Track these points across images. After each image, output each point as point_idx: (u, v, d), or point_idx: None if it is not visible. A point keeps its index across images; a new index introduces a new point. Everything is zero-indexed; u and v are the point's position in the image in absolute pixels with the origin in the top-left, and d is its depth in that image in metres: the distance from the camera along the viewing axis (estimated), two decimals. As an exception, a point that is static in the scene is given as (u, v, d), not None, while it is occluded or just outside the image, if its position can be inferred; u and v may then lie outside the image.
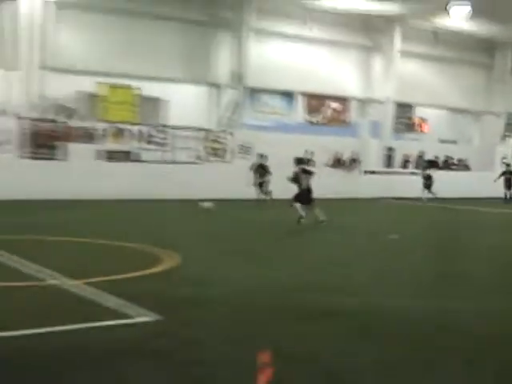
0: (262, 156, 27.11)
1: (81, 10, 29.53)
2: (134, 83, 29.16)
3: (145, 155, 28.15)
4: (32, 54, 28.03)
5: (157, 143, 28.53)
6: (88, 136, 27.08)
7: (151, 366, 6.27)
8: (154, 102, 30.04)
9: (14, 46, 27.76)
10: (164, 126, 29.45)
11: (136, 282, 10.14)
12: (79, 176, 25.30)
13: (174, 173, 27.28)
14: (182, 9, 31.38)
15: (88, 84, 28.09)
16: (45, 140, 26.12)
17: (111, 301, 8.61)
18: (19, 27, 27.77)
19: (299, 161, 20.98)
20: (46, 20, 28.26)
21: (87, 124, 27.45)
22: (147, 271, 10.93)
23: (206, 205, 21.47)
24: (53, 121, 26.90)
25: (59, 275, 10.20)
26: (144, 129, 28.45)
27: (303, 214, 19.06)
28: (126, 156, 27.72)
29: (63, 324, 7.50)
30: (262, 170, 26.68)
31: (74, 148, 26.41)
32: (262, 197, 26.58)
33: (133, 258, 12.72)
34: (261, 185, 26.60)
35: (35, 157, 25.70)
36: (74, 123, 27.26)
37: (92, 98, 28.46)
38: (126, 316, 7.96)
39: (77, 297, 9.01)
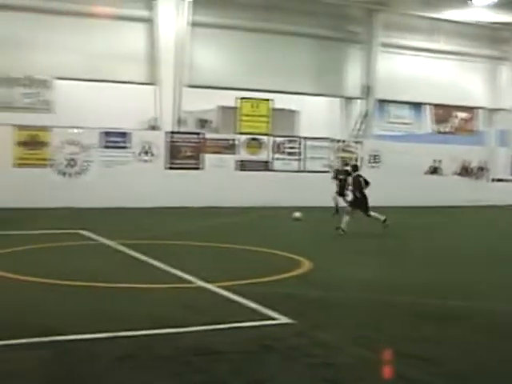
0: (347, 164, 25.53)
1: (219, 30, 30.70)
2: (268, 96, 30.07)
3: (277, 164, 29.40)
4: (175, 72, 29.66)
5: (289, 153, 29.69)
6: (226, 147, 28.55)
7: (284, 363, 6.78)
8: (286, 114, 30.73)
9: (160, 65, 29.47)
10: (296, 136, 30.35)
11: (271, 285, 10.77)
12: (217, 184, 26.90)
13: (305, 181, 28.38)
14: (314, 26, 31.97)
15: (226, 99, 29.13)
16: (187, 151, 27.79)
17: (248, 303, 9.23)
18: (166, 47, 29.44)
19: (355, 168, 20.39)
20: (188, 41, 29.67)
21: (225, 136, 28.83)
22: (281, 276, 11.61)
23: (297, 215, 21.33)
24: (194, 133, 28.50)
25: (201, 278, 10.95)
26: (277, 140, 29.66)
27: (345, 227, 18.42)
28: (260, 165, 29.02)
29: (204, 324, 8.13)
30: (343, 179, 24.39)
31: (213, 158, 28.01)
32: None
33: (268, 263, 13.47)
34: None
35: (177, 167, 27.45)
36: (213, 135, 28.75)
37: (230, 111, 29.49)
38: (263, 317, 8.56)
39: (218, 298, 9.78)
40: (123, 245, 14.85)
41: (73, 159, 25.73)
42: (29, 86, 27.03)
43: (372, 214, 18.95)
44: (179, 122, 29.18)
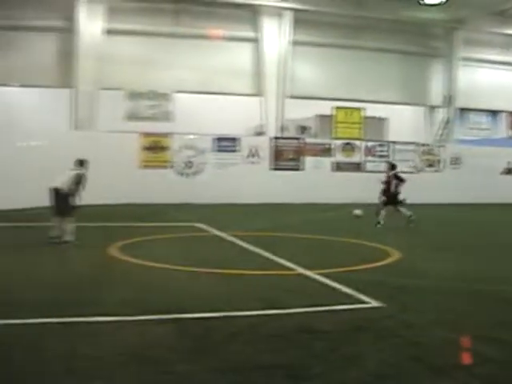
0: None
1: (316, 48, 30.82)
2: (360, 105, 29.92)
3: (369, 166, 29.16)
4: (278, 84, 29.89)
5: (379, 156, 29.39)
6: (323, 150, 28.51)
7: (375, 342, 6.79)
8: (377, 121, 30.41)
9: (265, 79, 29.76)
10: (385, 141, 30.06)
11: (363, 273, 10.73)
12: (315, 183, 26.98)
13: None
14: (401, 42, 31.79)
15: (323, 107, 29.18)
16: (288, 154, 27.93)
17: (344, 288, 9.23)
18: (270, 63, 29.73)
19: (393, 166, 19.37)
20: (289, 57, 29.91)
21: (322, 141, 28.82)
22: (372, 264, 11.55)
23: (357, 212, 20.14)
24: (294, 138, 28.65)
25: (302, 266, 10.98)
26: (369, 144, 29.47)
27: (382, 221, 18.04)
28: (353, 167, 28.92)
29: (305, 306, 8.19)
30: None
31: (312, 160, 28.09)
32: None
33: (360, 253, 13.33)
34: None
35: (280, 168, 27.61)
36: (312, 140, 28.79)
37: (326, 119, 29.47)
38: (356, 301, 8.57)
39: (317, 284, 9.79)
40: (233, 236, 15.07)
41: (190, 161, 26.27)
42: (152, 99, 27.72)
43: (401, 209, 18.45)
44: (282, 128, 29.47)
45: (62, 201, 13.53)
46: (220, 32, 28.20)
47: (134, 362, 6.00)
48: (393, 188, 18.46)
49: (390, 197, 18.41)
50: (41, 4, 26.95)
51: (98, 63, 27.34)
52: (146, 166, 25.59)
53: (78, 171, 13.94)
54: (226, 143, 26.74)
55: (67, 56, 27.49)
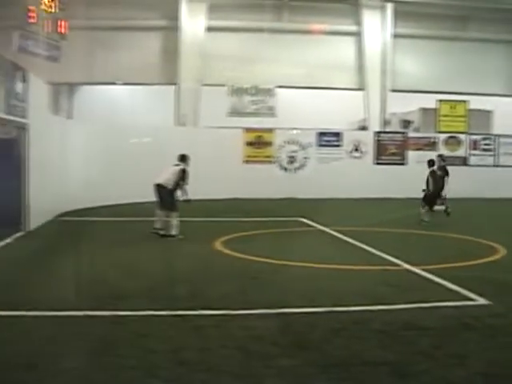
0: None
1: (418, 40, 30.24)
2: (465, 98, 28.97)
3: (473, 160, 28.22)
4: (380, 78, 29.51)
5: (484, 149, 28.47)
6: (427, 144, 27.82)
7: (481, 340, 6.60)
8: (481, 114, 29.45)
9: (367, 73, 29.47)
10: (491, 134, 28.97)
11: (469, 269, 10.45)
12: (418, 178, 26.28)
13: (499, 175, 27.20)
14: (506, 32, 30.68)
15: (426, 101, 28.44)
16: (392, 149, 27.44)
17: (449, 285, 9.01)
18: (372, 57, 29.42)
19: (430, 163, 17.82)
20: (391, 50, 29.54)
21: (426, 134, 28.08)
22: (478, 260, 11.23)
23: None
24: (398, 133, 28.06)
25: (406, 261, 10.80)
26: (474, 137, 28.50)
27: (427, 218, 17.03)
28: (458, 161, 28.00)
29: (410, 302, 8.08)
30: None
31: (415, 155, 27.43)
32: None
33: (465, 249, 12.98)
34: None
35: (383, 163, 27.18)
36: (415, 134, 28.13)
37: (430, 112, 28.68)
38: (462, 298, 8.34)
39: (422, 279, 9.61)
40: (337, 231, 14.97)
41: (293, 156, 26.29)
42: (255, 95, 27.91)
43: (436, 208, 17.41)
44: (385, 122, 29.05)
45: (167, 196, 13.88)
46: (322, 26, 28.12)
47: (238, 354, 6.06)
48: (432, 187, 17.31)
49: (431, 196, 17.39)
50: (146, 4, 27.74)
51: (201, 60, 27.90)
52: (249, 162, 25.79)
53: (181, 166, 14.19)
54: (328, 138, 26.59)
55: (171, 54, 28.20)
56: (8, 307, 7.56)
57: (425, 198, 17.35)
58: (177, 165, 14.28)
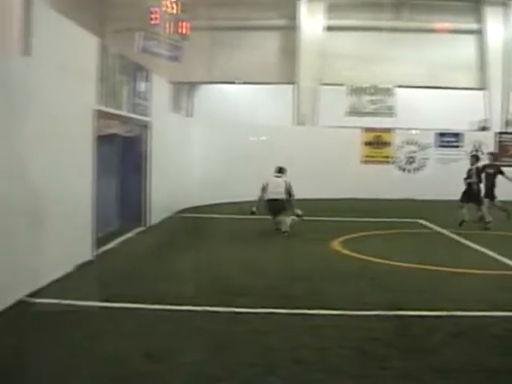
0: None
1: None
2: None
3: None
4: (503, 77, 28.48)
5: None
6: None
7: None
8: None
9: (489, 72, 28.53)
10: None
11: None
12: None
13: None
14: None
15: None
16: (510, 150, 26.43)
17: None
18: (494, 55, 28.41)
19: (474, 159, 16.84)
20: (509, 47, 28.49)
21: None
22: None
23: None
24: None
25: None
26: None
27: (466, 217, 15.85)
28: None
29: None
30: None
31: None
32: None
33: None
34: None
35: (506, 164, 25.92)
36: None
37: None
38: None
39: None
40: (455, 233, 14.63)
41: (411, 157, 25.85)
42: (374, 94, 27.65)
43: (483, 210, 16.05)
44: (507, 123, 28.01)
45: (284, 205, 14.17)
46: (443, 25, 27.48)
47: (355, 355, 6.06)
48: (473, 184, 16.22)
49: (470, 193, 16.27)
50: (265, 4, 28.03)
51: (320, 59, 27.93)
52: (367, 162, 25.57)
53: (285, 179, 14.51)
54: (448, 138, 25.93)
55: (290, 53, 28.38)
56: (131, 300, 7.86)
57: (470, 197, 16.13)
58: (278, 176, 14.58)
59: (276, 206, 14.17)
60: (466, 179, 16.52)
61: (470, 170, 16.52)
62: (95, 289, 8.57)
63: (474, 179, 16.26)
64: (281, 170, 14.75)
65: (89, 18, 26.08)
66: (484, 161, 17.34)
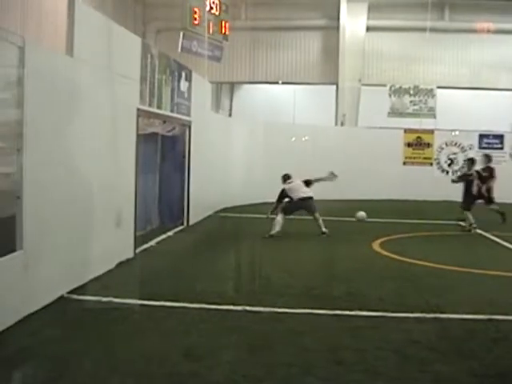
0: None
1: None
2: None
3: None
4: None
5: None
6: None
7: None
8: None
9: None
10: None
11: None
12: None
13: None
14: None
15: None
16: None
17: None
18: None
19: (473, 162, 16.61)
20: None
21: None
22: None
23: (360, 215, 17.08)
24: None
25: None
26: None
27: (472, 222, 15.57)
28: None
29: None
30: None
31: None
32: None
33: None
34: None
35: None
36: None
37: None
38: None
39: None
40: (497, 236, 14.40)
41: (453, 158, 25.57)
42: (415, 95, 27.41)
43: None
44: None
45: (314, 205, 14.22)
46: (486, 25, 27.13)
47: (394, 357, 6.01)
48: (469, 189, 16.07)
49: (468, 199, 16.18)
50: (306, 5, 28.04)
51: (361, 60, 27.80)
52: (408, 163, 25.36)
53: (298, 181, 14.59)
54: (491, 140, 25.59)
55: (331, 53, 28.32)
56: (171, 298, 7.91)
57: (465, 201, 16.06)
58: (291, 182, 14.60)
59: (309, 204, 14.17)
60: (454, 182, 17.07)
61: (469, 175, 16.30)
62: (136, 287, 8.66)
63: (476, 183, 16.18)
64: (289, 177, 14.75)
65: (131, 18, 26.46)
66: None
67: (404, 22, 27.77)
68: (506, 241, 13.67)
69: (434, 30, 27.28)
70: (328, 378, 5.51)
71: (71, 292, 7.95)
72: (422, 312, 7.56)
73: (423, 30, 27.08)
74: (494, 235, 14.58)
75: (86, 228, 8.67)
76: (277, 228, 13.78)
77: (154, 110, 11.97)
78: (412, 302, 8.16)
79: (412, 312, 7.56)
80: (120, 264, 9.88)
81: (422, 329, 6.97)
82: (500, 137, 25.58)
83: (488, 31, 27.37)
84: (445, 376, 5.59)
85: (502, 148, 25.41)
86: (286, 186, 14.47)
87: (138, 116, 10.88)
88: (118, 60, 9.85)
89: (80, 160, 8.39)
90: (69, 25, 8.23)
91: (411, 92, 27.42)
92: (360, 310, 7.60)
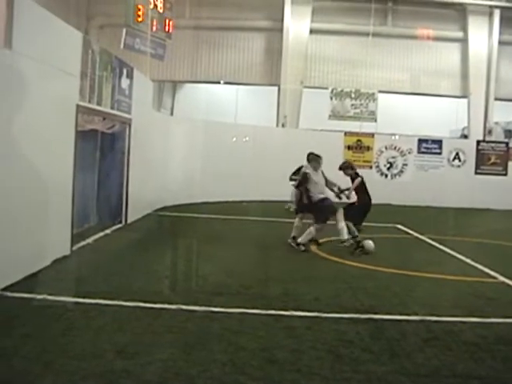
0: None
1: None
2: None
3: None
4: (485, 86, 28.69)
5: None
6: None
7: None
8: None
9: (471, 80, 28.71)
10: None
11: None
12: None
13: None
14: None
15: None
16: (493, 159, 26.58)
17: None
18: (476, 64, 28.64)
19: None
20: (495, 58, 28.69)
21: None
22: None
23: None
24: (500, 142, 27.02)
25: (503, 275, 10.45)
26: None
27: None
28: None
29: (506, 317, 7.82)
30: None
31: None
32: None
33: None
34: None
35: (484, 173, 26.35)
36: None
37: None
38: None
39: None
40: (433, 239, 14.72)
41: (392, 162, 25.98)
42: (357, 99, 27.75)
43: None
44: (488, 131, 28.26)
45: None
46: (427, 32, 27.68)
47: (329, 357, 6.07)
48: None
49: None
50: (251, 6, 28.14)
51: (304, 62, 28.02)
52: (347, 165, 25.64)
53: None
54: (429, 145, 26.11)
55: (274, 55, 28.51)
56: (106, 296, 7.84)
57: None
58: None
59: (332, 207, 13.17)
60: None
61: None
62: (71, 284, 8.55)
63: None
64: (319, 163, 13.72)
65: (74, 12, 26.04)
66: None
67: (347, 26, 28.14)
68: (442, 244, 13.95)
69: (376, 34, 27.74)
70: (262, 378, 5.52)
71: (4, 289, 7.77)
72: (356, 313, 7.67)
73: (366, 34, 27.50)
74: (430, 238, 14.86)
75: (19, 225, 8.50)
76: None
77: (94, 106, 11.83)
78: (347, 303, 8.26)
79: (346, 313, 7.65)
80: (56, 261, 9.71)
81: (356, 329, 7.04)
82: (439, 142, 26.12)
83: (429, 38, 27.93)
84: (377, 376, 5.66)
85: (440, 153, 25.96)
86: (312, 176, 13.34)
87: (78, 112, 10.73)
88: (57, 55, 9.69)
89: (15, 156, 8.22)
90: (8, 17, 8.07)
91: (353, 95, 27.75)
92: (295, 310, 7.65)
